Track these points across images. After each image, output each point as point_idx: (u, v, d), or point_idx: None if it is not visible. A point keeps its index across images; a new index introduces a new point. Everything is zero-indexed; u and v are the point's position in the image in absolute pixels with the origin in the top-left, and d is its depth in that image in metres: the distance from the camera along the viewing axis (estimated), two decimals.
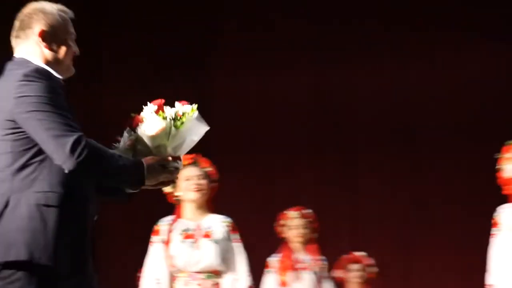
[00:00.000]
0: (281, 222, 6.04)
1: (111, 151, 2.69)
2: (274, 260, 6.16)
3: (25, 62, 2.68)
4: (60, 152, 2.52)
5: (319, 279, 5.94)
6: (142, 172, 2.66)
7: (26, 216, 2.55)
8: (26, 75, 2.57)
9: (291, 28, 8.20)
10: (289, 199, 6.92)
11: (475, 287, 5.50)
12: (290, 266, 5.92)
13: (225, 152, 7.72)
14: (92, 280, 2.70)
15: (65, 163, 2.53)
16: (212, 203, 4.91)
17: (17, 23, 2.76)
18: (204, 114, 2.83)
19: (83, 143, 2.54)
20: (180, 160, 2.79)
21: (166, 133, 2.76)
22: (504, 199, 4.94)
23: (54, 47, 2.74)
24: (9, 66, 2.70)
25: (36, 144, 2.58)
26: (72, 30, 2.79)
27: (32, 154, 2.59)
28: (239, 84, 8.18)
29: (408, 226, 8.47)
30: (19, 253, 2.53)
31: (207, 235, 4.70)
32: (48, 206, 2.57)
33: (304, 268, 5.90)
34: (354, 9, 8.38)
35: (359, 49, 8.38)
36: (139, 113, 2.78)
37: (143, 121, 2.77)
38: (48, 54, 2.73)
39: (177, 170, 2.77)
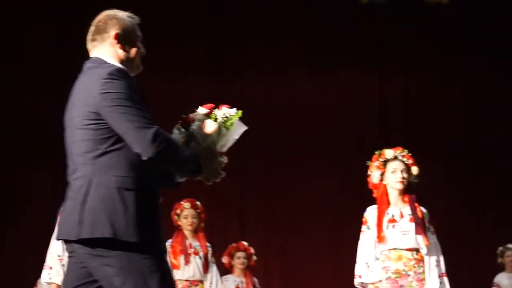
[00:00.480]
0: (176, 211, 6.24)
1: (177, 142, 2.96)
2: (167, 245, 6.32)
3: (102, 61, 2.96)
4: (141, 142, 2.80)
5: (206, 263, 6.14)
6: (200, 164, 2.96)
7: (108, 197, 2.79)
8: (110, 74, 2.85)
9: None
10: (185, 191, 7.31)
11: (346, 276, 5.72)
12: (181, 251, 6.16)
13: None
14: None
15: (145, 151, 2.80)
16: None
17: (92, 28, 3.04)
18: None
19: (161, 135, 2.83)
20: (224, 156, 3.10)
21: (217, 133, 3.09)
22: (373, 201, 5.29)
23: (127, 48, 3.02)
24: (88, 65, 2.99)
25: (115, 134, 2.84)
26: (139, 33, 3.08)
27: (111, 142, 2.85)
28: None
29: (289, 223, 9.13)
30: (104, 231, 2.77)
31: None
32: (127, 189, 2.82)
33: (193, 253, 6.12)
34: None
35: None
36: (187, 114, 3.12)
37: (194, 121, 3.09)
38: (122, 54, 3.01)
39: (222, 164, 3.08)
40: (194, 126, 3.11)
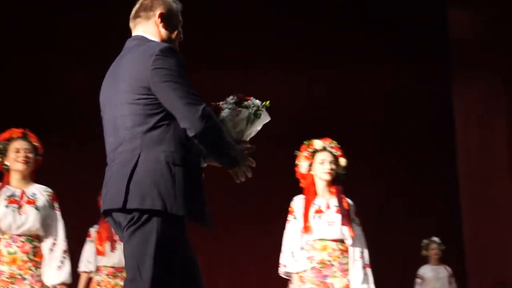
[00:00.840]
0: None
1: None
2: (93, 230, 6.41)
3: (146, 39, 3.07)
4: (190, 117, 2.88)
5: None
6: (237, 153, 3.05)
7: (157, 171, 2.87)
8: (161, 50, 2.93)
9: None
10: None
11: (273, 264, 5.66)
12: (107, 237, 6.16)
13: (54, 131, 8.02)
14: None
15: (193, 127, 2.88)
16: (36, 174, 5.07)
17: (137, 6, 3.16)
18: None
19: (209, 112, 2.92)
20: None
21: (247, 121, 3.21)
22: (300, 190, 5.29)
23: (169, 29, 3.14)
24: (132, 43, 3.09)
25: (164, 110, 2.92)
26: (181, 18, 3.19)
27: (160, 117, 2.93)
28: None
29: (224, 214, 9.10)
30: (154, 203, 2.86)
31: (30, 202, 4.87)
32: (175, 164, 2.90)
33: (119, 240, 5.75)
34: None
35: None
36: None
37: (222, 109, 3.20)
38: (164, 33, 3.13)
39: (252, 150, 3.17)
40: (225, 113, 3.21)
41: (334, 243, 5.12)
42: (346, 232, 5.13)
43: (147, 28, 3.13)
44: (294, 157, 5.36)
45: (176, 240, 2.93)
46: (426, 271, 8.35)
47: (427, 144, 10.08)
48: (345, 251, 5.15)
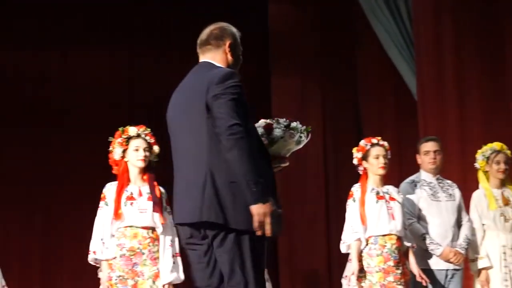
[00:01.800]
0: None
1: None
2: None
3: (214, 66, 3.50)
4: (222, 124, 3.26)
5: None
6: (260, 191, 3.27)
7: (222, 188, 3.30)
8: (225, 74, 3.37)
9: None
10: None
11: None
12: None
13: None
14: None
15: (220, 133, 3.26)
16: None
17: (207, 34, 3.60)
18: None
19: (241, 129, 3.25)
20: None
21: (296, 142, 3.80)
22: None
23: (235, 56, 3.59)
24: (200, 68, 3.54)
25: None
26: (241, 47, 3.63)
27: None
28: None
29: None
30: (218, 217, 3.30)
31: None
32: (234, 182, 3.28)
33: None
34: None
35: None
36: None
37: (274, 128, 3.75)
38: (230, 60, 3.57)
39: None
40: (278, 133, 3.76)
41: (145, 231, 5.08)
42: (157, 220, 5.09)
43: (216, 55, 3.56)
44: (108, 143, 5.26)
45: (241, 249, 3.37)
46: None
47: None
48: (155, 239, 5.11)
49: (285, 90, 9.45)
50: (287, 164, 3.79)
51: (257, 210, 3.26)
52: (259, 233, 3.28)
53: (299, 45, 9.38)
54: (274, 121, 3.82)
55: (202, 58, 3.58)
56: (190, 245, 3.51)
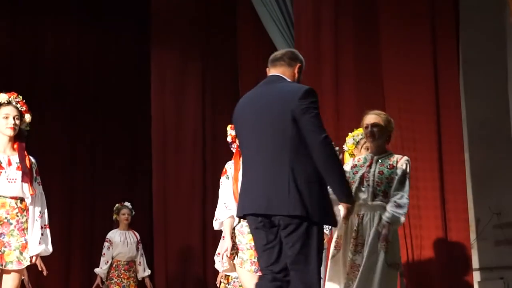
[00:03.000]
0: None
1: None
2: None
3: (284, 79, 4.14)
4: (316, 138, 3.87)
5: None
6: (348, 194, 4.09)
7: (302, 186, 3.86)
8: (307, 91, 3.96)
9: None
10: None
11: None
12: None
13: None
14: None
15: (314, 145, 3.86)
16: None
17: (283, 52, 4.25)
18: None
19: (330, 140, 3.92)
20: None
21: None
22: None
23: (300, 77, 4.22)
24: (273, 78, 4.16)
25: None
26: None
27: (305, 144, 3.90)
28: None
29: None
30: (302, 211, 3.85)
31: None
32: (311, 182, 3.89)
33: None
34: None
35: None
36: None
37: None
38: (297, 78, 4.20)
39: None
40: None
41: (13, 201, 4.98)
42: (26, 191, 4.96)
43: (286, 71, 4.17)
44: None
45: (314, 240, 3.95)
46: (114, 235, 8.34)
47: (129, 107, 10.19)
48: (24, 210, 5.00)
49: (164, 61, 9.37)
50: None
51: (347, 206, 4.31)
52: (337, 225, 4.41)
53: (179, 16, 9.33)
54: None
55: (273, 72, 4.19)
56: (258, 231, 4.04)
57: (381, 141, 5.01)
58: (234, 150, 5.51)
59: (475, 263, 6.99)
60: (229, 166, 5.42)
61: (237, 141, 5.44)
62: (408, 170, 4.92)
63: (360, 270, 4.72)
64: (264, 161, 3.96)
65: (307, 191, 3.88)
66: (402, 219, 4.79)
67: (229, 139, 5.50)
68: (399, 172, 4.90)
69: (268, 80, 4.17)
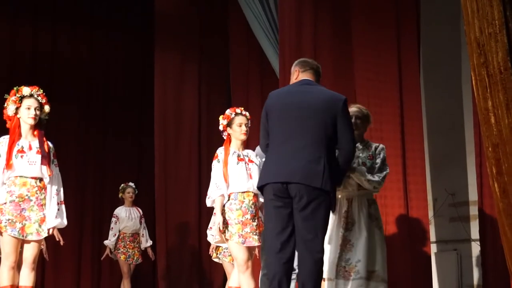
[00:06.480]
0: None
1: None
2: None
3: (316, 84, 4.59)
4: (349, 143, 4.42)
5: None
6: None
7: (329, 168, 4.31)
8: (346, 100, 4.49)
9: None
10: None
11: None
12: None
13: None
14: None
15: (345, 147, 4.42)
16: None
17: (310, 61, 4.69)
18: None
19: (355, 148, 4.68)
20: None
21: None
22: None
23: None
24: (308, 81, 4.58)
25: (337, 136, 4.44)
26: None
27: (335, 140, 4.41)
28: None
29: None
30: (319, 183, 4.26)
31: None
32: (333, 168, 4.36)
33: None
34: None
35: None
36: None
37: None
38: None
39: None
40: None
41: (33, 180, 5.08)
42: (44, 172, 5.08)
43: (312, 77, 4.60)
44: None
45: (327, 207, 4.37)
46: (121, 211, 8.50)
47: (132, 103, 10.24)
48: (43, 188, 5.11)
49: (166, 64, 9.45)
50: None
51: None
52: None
53: (179, 21, 9.39)
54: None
55: (303, 76, 4.61)
56: (273, 201, 4.34)
57: (361, 132, 5.08)
58: (225, 137, 5.64)
59: (433, 237, 7.07)
60: (220, 152, 5.53)
61: (227, 129, 5.61)
62: (384, 156, 5.07)
63: (363, 248, 4.82)
64: (304, 138, 4.33)
65: (331, 173, 4.30)
66: (369, 179, 4.89)
67: (220, 127, 5.60)
68: (378, 161, 5.01)
69: (302, 82, 4.58)
